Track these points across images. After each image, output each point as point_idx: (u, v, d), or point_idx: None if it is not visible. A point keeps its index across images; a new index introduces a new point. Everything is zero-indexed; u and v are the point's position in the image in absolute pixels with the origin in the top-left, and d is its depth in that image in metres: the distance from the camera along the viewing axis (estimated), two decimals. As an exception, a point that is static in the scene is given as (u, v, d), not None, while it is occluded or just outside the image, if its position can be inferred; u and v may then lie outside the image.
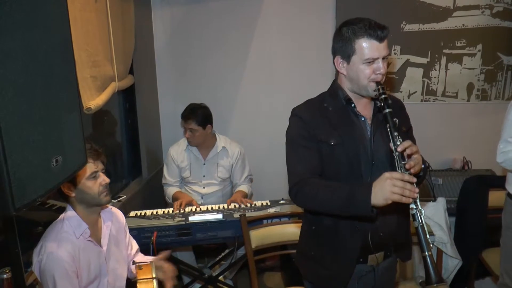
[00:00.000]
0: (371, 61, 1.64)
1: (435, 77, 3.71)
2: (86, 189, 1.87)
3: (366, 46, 1.63)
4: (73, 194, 1.87)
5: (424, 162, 1.74)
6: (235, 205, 3.01)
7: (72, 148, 1.39)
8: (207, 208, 3.00)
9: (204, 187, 3.32)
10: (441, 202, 2.84)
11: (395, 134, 1.59)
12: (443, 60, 3.67)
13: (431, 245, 1.53)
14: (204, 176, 3.31)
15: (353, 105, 1.75)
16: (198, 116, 3.14)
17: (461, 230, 3.10)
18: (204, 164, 3.31)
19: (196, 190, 3.33)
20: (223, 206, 3.01)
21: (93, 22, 2.53)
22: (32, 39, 1.16)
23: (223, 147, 3.30)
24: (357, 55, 1.65)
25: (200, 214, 2.86)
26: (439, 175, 3.47)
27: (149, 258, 2.30)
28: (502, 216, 2.49)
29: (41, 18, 1.19)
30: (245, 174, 3.38)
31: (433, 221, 2.76)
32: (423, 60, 3.68)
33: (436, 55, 3.66)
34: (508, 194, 2.44)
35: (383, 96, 1.64)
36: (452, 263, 2.87)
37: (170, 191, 3.31)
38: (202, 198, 3.32)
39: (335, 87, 1.81)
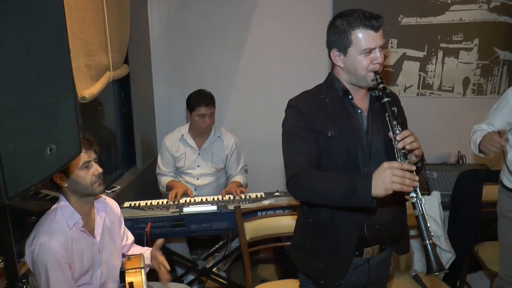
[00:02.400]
0: (369, 51, 1.63)
1: (431, 71, 3.71)
2: (78, 179, 1.86)
3: (362, 36, 1.62)
4: (66, 185, 1.86)
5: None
6: (229, 197, 3.01)
7: (66, 137, 1.37)
8: (202, 199, 2.99)
9: (198, 178, 3.31)
10: (435, 196, 2.85)
11: (394, 123, 1.59)
12: (440, 54, 3.67)
13: (432, 234, 1.53)
14: (198, 166, 3.30)
15: (350, 96, 1.74)
16: (213, 99, 3.22)
17: (455, 224, 3.12)
18: (199, 153, 3.30)
19: (189, 182, 3.32)
20: (218, 198, 3.01)
21: (88, 10, 2.50)
22: (27, 26, 1.14)
23: (218, 136, 3.31)
24: (354, 47, 1.64)
25: (194, 206, 2.85)
26: (433, 169, 3.48)
27: (144, 249, 2.30)
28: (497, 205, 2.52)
29: (35, 5, 1.17)
30: (240, 165, 3.38)
31: (428, 214, 2.76)
32: (420, 54, 3.68)
33: (433, 49, 3.66)
34: (500, 183, 2.48)
35: (381, 85, 1.63)
36: (445, 256, 2.88)
37: (164, 180, 3.30)
38: (195, 190, 3.31)
39: (332, 78, 1.79)
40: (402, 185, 1.46)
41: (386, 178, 1.46)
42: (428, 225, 1.54)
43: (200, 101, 3.15)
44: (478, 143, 2.37)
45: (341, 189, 1.56)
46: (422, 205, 1.54)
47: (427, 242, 1.53)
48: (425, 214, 1.54)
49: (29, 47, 1.15)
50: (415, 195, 1.53)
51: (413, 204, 1.54)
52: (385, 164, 1.49)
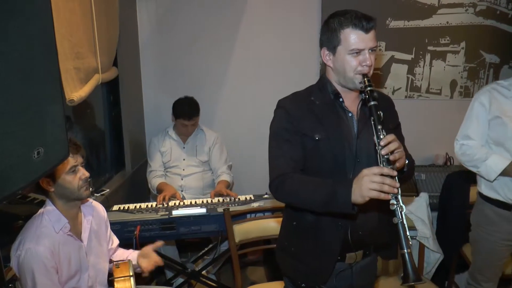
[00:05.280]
0: (357, 52, 1.61)
1: (419, 74, 3.74)
2: (65, 184, 1.84)
3: (351, 36, 1.60)
4: (52, 189, 1.84)
5: (410, 157, 1.73)
6: (218, 199, 3.01)
7: (54, 140, 1.36)
8: (191, 202, 2.99)
9: (184, 169, 3.41)
10: (423, 197, 2.87)
11: (379, 127, 1.54)
12: (428, 57, 3.70)
13: (410, 243, 1.49)
14: (184, 159, 3.41)
15: (341, 99, 1.72)
16: (197, 109, 3.34)
17: (443, 225, 3.14)
18: (184, 147, 3.42)
19: (176, 173, 3.41)
20: (207, 200, 3.01)
21: (76, 13, 2.48)
22: (12, 28, 1.13)
23: (201, 129, 3.45)
24: (343, 46, 1.62)
25: (183, 208, 2.85)
26: (422, 171, 3.51)
27: (129, 252, 2.29)
28: (471, 214, 2.58)
29: (22, 7, 1.16)
30: (223, 157, 3.48)
31: (416, 215, 2.79)
32: (408, 57, 3.71)
33: (421, 52, 3.70)
34: (479, 194, 2.50)
35: (368, 88, 1.59)
36: (434, 257, 2.91)
37: (155, 182, 3.34)
38: (182, 179, 3.39)
39: (324, 80, 1.77)
40: (379, 193, 1.43)
41: (363, 185, 1.43)
42: (408, 234, 1.48)
43: (183, 113, 3.29)
44: (488, 173, 2.35)
45: (322, 194, 1.54)
46: (402, 212, 1.48)
47: (405, 251, 1.47)
48: (405, 222, 1.49)
49: (15, 50, 1.14)
50: (395, 202, 1.48)
51: (393, 211, 1.49)
52: (364, 171, 1.46)
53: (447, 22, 3.62)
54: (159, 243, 2.22)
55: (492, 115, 2.37)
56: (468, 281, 2.64)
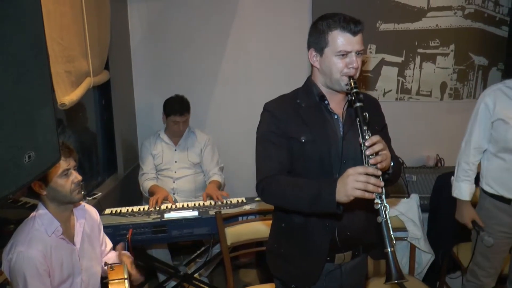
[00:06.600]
0: (344, 54, 1.63)
1: (409, 76, 3.78)
2: (58, 187, 1.84)
3: (339, 38, 1.62)
4: (45, 192, 1.84)
5: (397, 159, 1.74)
6: (210, 202, 3.02)
7: (46, 144, 1.36)
8: (183, 205, 2.99)
9: (175, 172, 3.40)
10: (414, 198, 2.89)
11: (365, 128, 1.56)
12: (418, 59, 3.73)
13: (394, 242, 1.50)
14: (176, 162, 3.40)
15: (326, 102, 1.74)
16: (188, 106, 3.35)
17: (434, 226, 3.16)
18: (176, 150, 3.41)
19: (168, 175, 3.40)
20: (199, 203, 3.01)
21: (67, 16, 2.48)
22: (3, 32, 1.13)
23: (192, 132, 3.45)
24: (330, 47, 1.65)
25: (175, 211, 2.85)
26: (412, 172, 3.54)
27: (114, 253, 2.28)
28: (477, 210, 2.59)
29: (12, 10, 1.16)
30: (215, 158, 3.47)
31: (407, 217, 2.81)
32: (398, 59, 3.74)
33: (411, 54, 3.73)
34: (481, 188, 2.55)
35: (354, 90, 1.61)
36: (425, 257, 2.92)
37: (147, 185, 3.33)
38: (174, 182, 3.38)
39: (309, 83, 1.79)
40: (364, 192, 1.44)
41: (348, 184, 1.45)
42: (391, 233, 1.50)
43: (174, 110, 3.29)
44: (454, 190, 2.59)
45: (308, 195, 1.55)
46: (386, 212, 1.50)
47: (389, 249, 1.49)
48: (389, 222, 1.51)
49: (5, 53, 1.14)
50: (379, 202, 1.50)
51: (377, 210, 1.51)
52: (349, 170, 1.48)
53: (437, 25, 3.65)
54: (119, 246, 2.25)
55: (496, 117, 2.39)
56: (467, 278, 2.64)
